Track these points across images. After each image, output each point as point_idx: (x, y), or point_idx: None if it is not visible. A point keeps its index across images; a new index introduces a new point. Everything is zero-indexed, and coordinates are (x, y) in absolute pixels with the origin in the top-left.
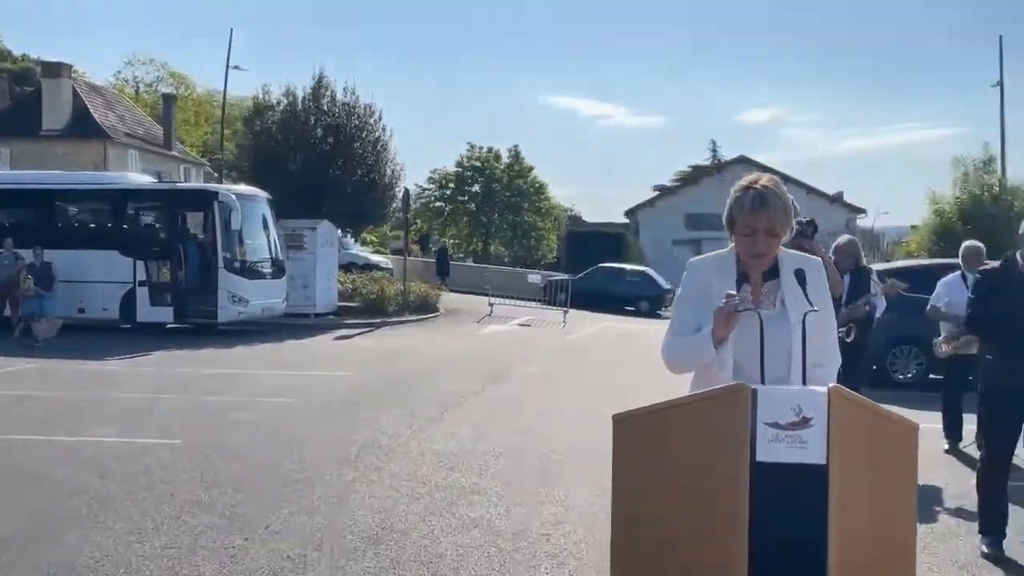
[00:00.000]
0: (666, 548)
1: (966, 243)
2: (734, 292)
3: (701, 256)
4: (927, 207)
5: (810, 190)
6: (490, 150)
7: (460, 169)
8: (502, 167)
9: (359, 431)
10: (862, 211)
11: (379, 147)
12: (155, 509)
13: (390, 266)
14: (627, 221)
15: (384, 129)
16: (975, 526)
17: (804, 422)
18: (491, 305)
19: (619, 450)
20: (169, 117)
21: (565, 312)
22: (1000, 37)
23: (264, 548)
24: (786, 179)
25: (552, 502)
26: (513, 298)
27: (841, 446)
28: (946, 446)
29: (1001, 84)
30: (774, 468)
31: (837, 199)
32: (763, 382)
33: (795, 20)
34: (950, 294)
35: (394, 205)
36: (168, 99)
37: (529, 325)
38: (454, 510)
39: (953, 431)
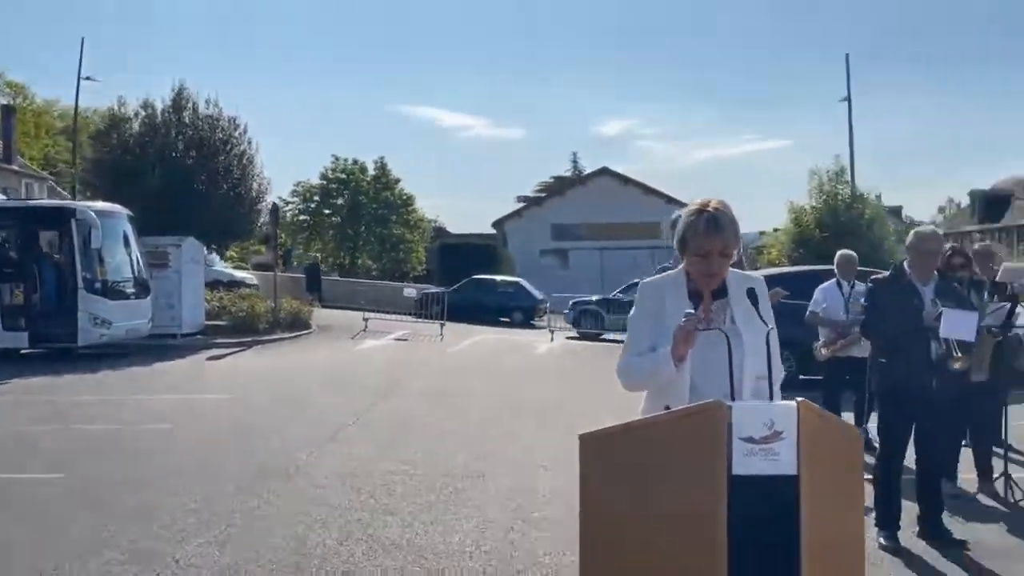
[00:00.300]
0: (643, 563)
1: (841, 252)
2: (693, 311)
3: (653, 277)
4: (786, 215)
5: (670, 200)
6: (355, 162)
7: (325, 182)
8: (368, 179)
9: (254, 456)
10: None
11: (245, 160)
12: (53, 548)
13: (256, 282)
14: (494, 232)
15: (250, 143)
16: (870, 520)
17: (776, 435)
18: (365, 320)
19: (588, 469)
20: (9, 129)
21: (442, 325)
22: (847, 56)
23: None
24: (647, 190)
25: (467, 518)
26: (387, 312)
27: (809, 457)
28: None
29: (849, 100)
30: (749, 480)
31: None
32: (733, 398)
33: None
34: (827, 300)
35: (262, 220)
36: (8, 110)
37: (406, 339)
38: (370, 532)
39: None
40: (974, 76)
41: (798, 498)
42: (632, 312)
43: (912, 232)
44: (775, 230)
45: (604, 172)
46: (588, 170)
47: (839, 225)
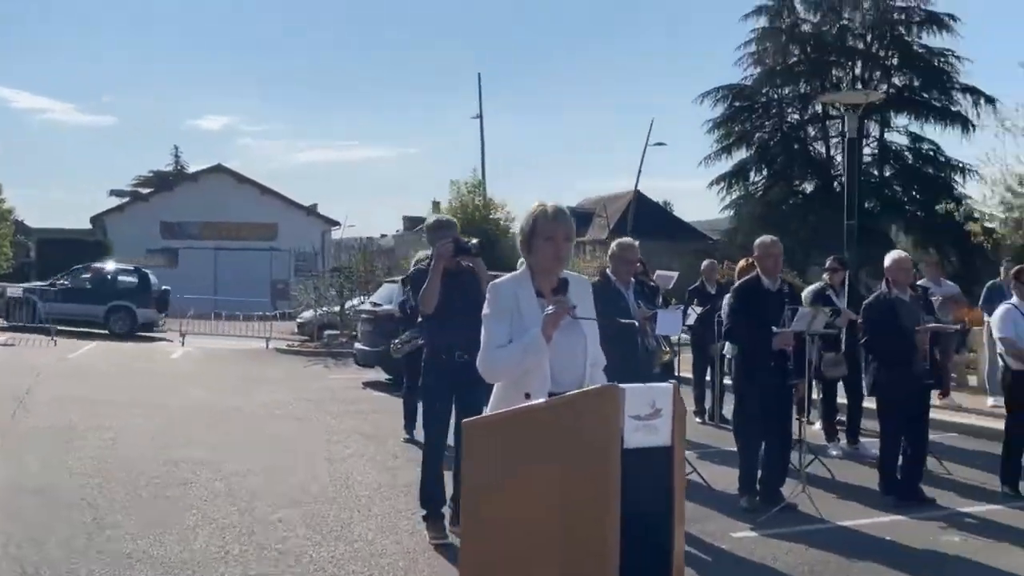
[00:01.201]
0: (533, 540)
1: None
2: (561, 298)
3: (502, 278)
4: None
5: (289, 202)
6: None
7: None
8: None
9: None
10: (336, 223)
11: None
12: None
13: None
14: (91, 228)
15: None
16: None
17: (656, 413)
18: None
19: (472, 456)
20: None
21: (52, 328)
22: (479, 75)
23: None
24: (263, 189)
25: (200, 525)
26: None
27: (678, 430)
28: None
29: (481, 116)
30: (635, 452)
31: (312, 211)
32: (584, 382)
33: (237, 32)
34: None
35: None
36: None
37: (13, 344)
38: (112, 547)
39: None
40: (588, 93)
41: (671, 467)
42: (487, 311)
43: (615, 243)
44: (383, 236)
45: (218, 169)
46: (193, 166)
47: (479, 233)
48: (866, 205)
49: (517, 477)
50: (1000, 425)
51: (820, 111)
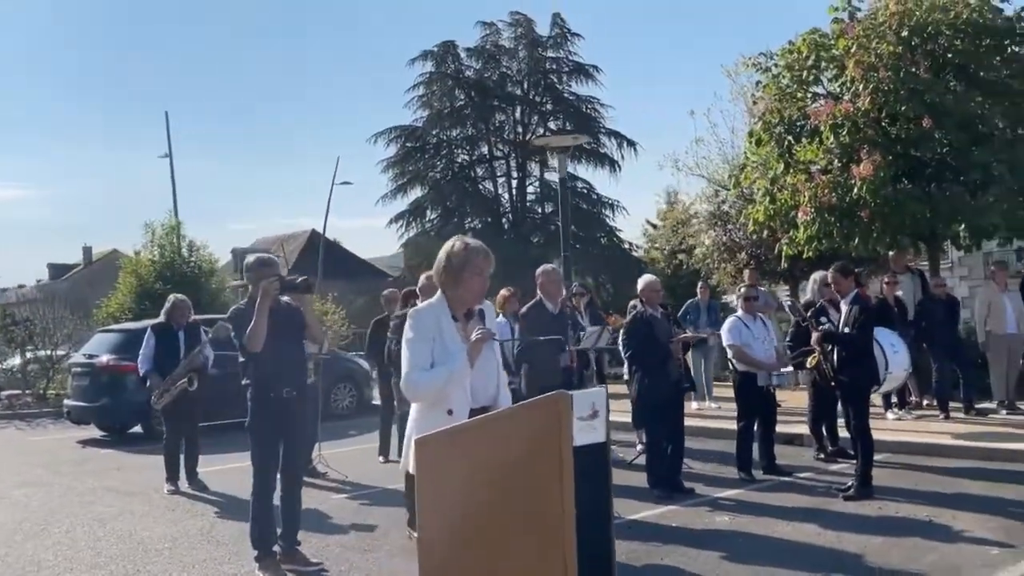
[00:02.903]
0: (491, 542)
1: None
2: (483, 327)
3: (422, 306)
4: (126, 271)
5: None
6: None
7: None
8: None
9: None
10: None
11: None
12: None
13: None
14: None
15: None
16: None
17: (595, 414)
18: None
19: (425, 470)
20: None
21: None
22: (166, 113)
23: None
24: None
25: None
26: None
27: (608, 428)
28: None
29: (170, 155)
30: (581, 449)
31: None
32: (498, 399)
33: None
34: None
35: None
36: None
37: None
38: None
39: None
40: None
41: (606, 459)
42: (410, 335)
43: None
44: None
45: None
46: None
47: (179, 275)
48: (532, 240)
49: (477, 483)
50: (716, 425)
51: (487, 152)
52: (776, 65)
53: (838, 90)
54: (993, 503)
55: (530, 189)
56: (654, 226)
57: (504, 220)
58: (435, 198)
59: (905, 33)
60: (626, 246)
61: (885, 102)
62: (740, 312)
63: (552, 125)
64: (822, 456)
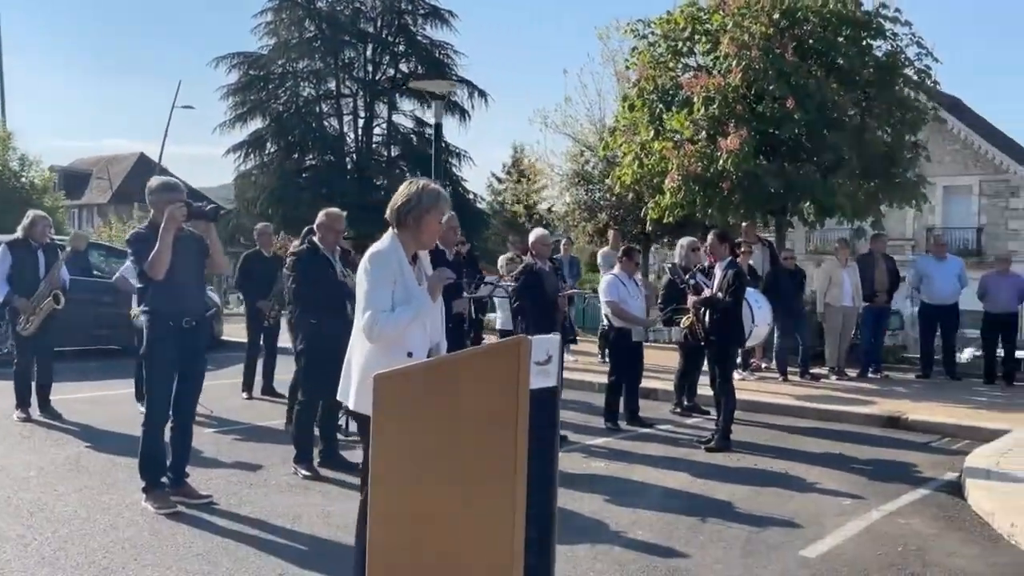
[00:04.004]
0: (446, 485)
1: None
2: (443, 267)
3: (378, 248)
4: None
5: None
6: None
7: None
8: None
9: None
10: None
11: None
12: None
13: None
14: None
15: None
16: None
17: (549, 360)
18: None
19: (383, 406)
20: None
21: None
22: None
23: None
24: None
25: None
26: None
27: (559, 374)
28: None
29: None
30: (536, 392)
31: None
32: (441, 342)
33: None
34: None
35: None
36: None
37: None
38: None
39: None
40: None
41: (556, 403)
42: (373, 277)
43: (323, 213)
44: None
45: None
46: None
47: (9, 192)
48: (375, 182)
49: (433, 420)
50: (578, 377)
51: (334, 89)
52: (653, 33)
53: (711, 63)
54: (835, 459)
55: (377, 131)
56: (499, 179)
57: (348, 160)
58: (276, 131)
59: (776, 16)
60: (470, 196)
61: (754, 80)
62: (617, 270)
63: (404, 67)
64: (678, 410)
